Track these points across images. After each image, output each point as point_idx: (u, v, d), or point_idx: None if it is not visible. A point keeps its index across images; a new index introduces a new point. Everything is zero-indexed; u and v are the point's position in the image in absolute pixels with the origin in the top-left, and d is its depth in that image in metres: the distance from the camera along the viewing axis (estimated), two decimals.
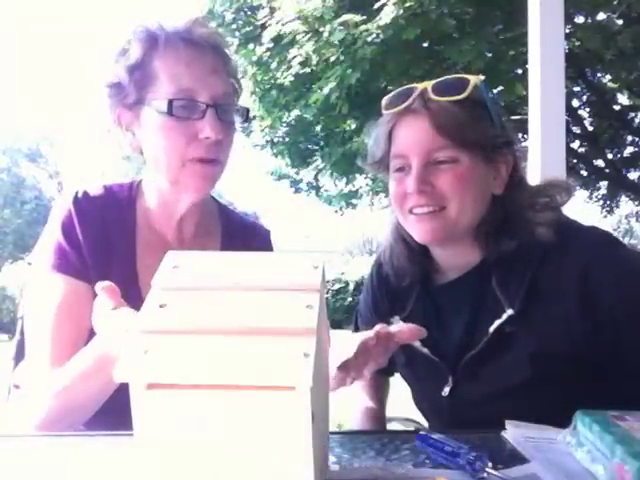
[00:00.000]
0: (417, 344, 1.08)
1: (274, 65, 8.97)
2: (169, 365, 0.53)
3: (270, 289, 0.60)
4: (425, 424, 1.24)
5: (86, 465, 0.74)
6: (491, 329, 0.99)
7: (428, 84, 1.02)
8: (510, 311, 0.98)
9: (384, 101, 1.08)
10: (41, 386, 0.97)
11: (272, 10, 8.42)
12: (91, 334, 0.93)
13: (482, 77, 1.03)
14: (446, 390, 1.05)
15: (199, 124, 1.02)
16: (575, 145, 9.99)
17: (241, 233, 1.24)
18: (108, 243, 1.08)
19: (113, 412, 0.82)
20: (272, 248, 1.29)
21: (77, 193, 1.10)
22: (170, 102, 1.01)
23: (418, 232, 1.04)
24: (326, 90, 7.55)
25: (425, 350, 1.07)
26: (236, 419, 0.54)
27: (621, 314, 0.95)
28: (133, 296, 0.96)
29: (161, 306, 0.58)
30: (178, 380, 0.53)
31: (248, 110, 1.10)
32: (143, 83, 1.04)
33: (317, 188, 11.68)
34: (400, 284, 1.16)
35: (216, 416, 0.55)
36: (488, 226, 1.03)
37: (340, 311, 12.32)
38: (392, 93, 1.07)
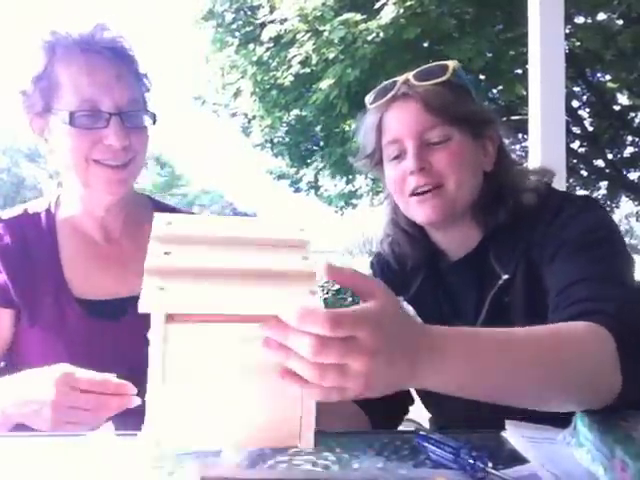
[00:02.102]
0: None
1: (274, 65, 8.96)
2: (187, 297, 0.56)
3: (263, 244, 0.63)
4: (425, 424, 1.24)
5: (84, 465, 0.74)
6: (489, 298, 1.02)
7: (409, 74, 1.06)
8: (505, 276, 1.01)
9: (368, 97, 1.12)
10: None
11: (272, 9, 8.41)
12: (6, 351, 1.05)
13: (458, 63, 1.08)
14: None
15: (104, 132, 1.04)
16: (575, 145, 9.99)
17: None
18: (30, 260, 1.10)
19: None
20: None
21: None
22: (72, 114, 1.03)
23: (421, 213, 1.05)
24: (324, 86, 7.55)
25: None
26: (252, 351, 0.57)
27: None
28: (64, 300, 1.08)
29: (166, 253, 0.61)
30: (197, 310, 0.56)
31: (155, 115, 1.12)
32: (48, 93, 1.05)
33: (317, 188, 11.68)
34: (403, 269, 1.18)
35: (233, 348, 0.58)
36: (483, 202, 1.06)
37: None
38: (375, 89, 1.11)
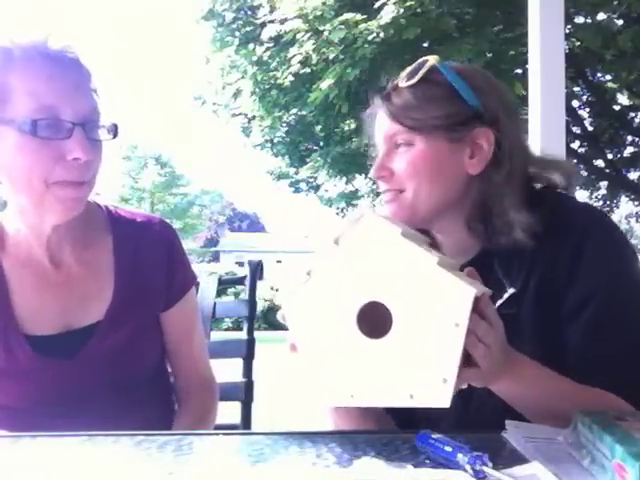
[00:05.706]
0: None
1: (274, 65, 8.97)
2: None
3: None
4: None
5: (85, 465, 0.74)
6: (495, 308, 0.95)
7: (404, 72, 1.04)
8: (511, 290, 0.97)
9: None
10: None
11: (272, 9, 8.42)
12: None
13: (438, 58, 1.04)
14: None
15: (66, 144, 0.93)
16: (575, 145, 10.00)
17: (132, 231, 1.12)
18: None
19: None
20: (171, 241, 1.16)
21: None
22: (34, 122, 0.92)
23: (387, 214, 1.04)
24: (324, 86, 7.55)
25: None
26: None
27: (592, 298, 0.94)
28: (13, 339, 0.99)
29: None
30: None
31: (116, 126, 1.01)
32: None
33: (316, 187, 11.69)
34: None
35: None
36: (475, 212, 1.01)
37: None
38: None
